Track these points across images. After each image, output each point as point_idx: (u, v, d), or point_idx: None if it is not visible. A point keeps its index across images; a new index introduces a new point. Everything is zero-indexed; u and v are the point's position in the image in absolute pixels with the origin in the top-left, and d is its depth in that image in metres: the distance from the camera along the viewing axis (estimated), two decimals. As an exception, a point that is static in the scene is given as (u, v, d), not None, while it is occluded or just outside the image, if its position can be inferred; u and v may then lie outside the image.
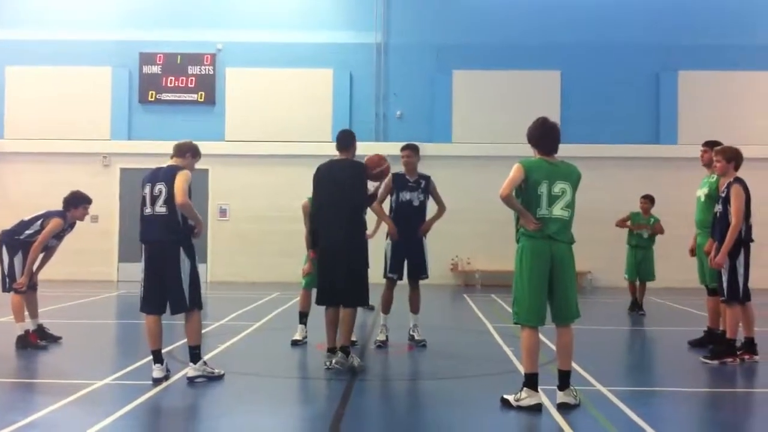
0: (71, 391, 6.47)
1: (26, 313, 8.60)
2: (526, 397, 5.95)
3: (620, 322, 12.26)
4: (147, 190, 6.81)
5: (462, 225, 17.65)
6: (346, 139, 7.76)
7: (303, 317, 9.16)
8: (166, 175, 6.78)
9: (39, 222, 8.49)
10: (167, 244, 6.74)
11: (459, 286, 17.99)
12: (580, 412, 5.98)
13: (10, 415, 5.82)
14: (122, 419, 5.69)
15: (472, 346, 9.43)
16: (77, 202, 8.64)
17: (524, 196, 6.01)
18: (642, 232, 12.88)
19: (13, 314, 8.53)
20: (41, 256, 8.67)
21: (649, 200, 13.19)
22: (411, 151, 8.97)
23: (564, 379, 6.09)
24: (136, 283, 17.58)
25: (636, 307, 12.93)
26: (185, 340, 7.03)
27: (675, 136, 18.55)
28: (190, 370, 6.85)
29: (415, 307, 9.12)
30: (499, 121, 18.23)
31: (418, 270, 8.91)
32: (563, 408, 5.96)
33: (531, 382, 5.99)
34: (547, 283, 6.00)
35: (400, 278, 8.93)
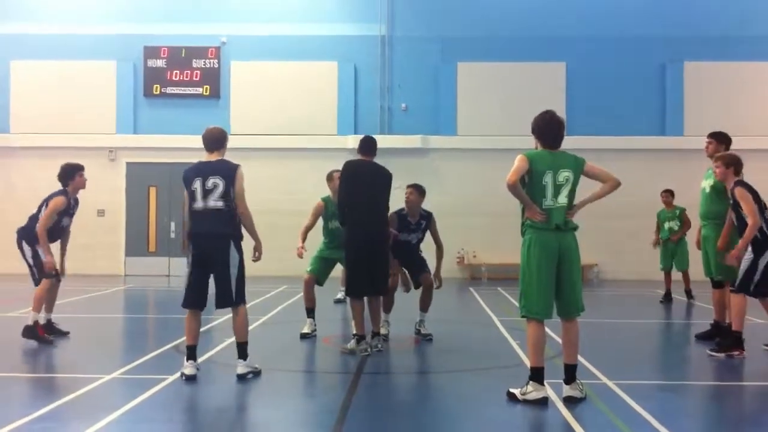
0: (79, 386, 6.49)
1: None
2: (532, 391, 5.96)
3: (627, 315, 12.25)
4: (197, 184, 6.71)
5: (467, 218, 17.65)
6: (372, 146, 8.23)
7: (310, 312, 9.18)
8: (223, 170, 6.74)
9: (43, 208, 8.46)
10: (220, 237, 6.71)
11: (465, 280, 17.99)
12: (586, 405, 5.98)
13: (19, 409, 5.86)
14: (130, 413, 5.71)
15: (478, 340, 9.44)
16: (72, 172, 8.55)
17: (529, 188, 6.01)
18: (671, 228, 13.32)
19: (33, 301, 8.45)
20: (59, 241, 8.71)
21: (669, 193, 13.48)
22: (415, 190, 9.00)
23: (570, 373, 6.09)
24: (143, 277, 17.63)
25: (669, 298, 13.26)
26: (184, 338, 7.00)
27: (681, 128, 18.48)
28: (240, 367, 6.80)
29: (425, 306, 9.18)
30: (504, 114, 18.18)
31: (422, 268, 9.07)
32: (569, 401, 5.96)
33: (537, 375, 5.99)
34: (555, 276, 6.00)
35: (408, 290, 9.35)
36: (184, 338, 6.87)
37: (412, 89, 18.73)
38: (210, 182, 6.70)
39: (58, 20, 18.73)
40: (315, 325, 9.15)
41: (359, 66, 18.76)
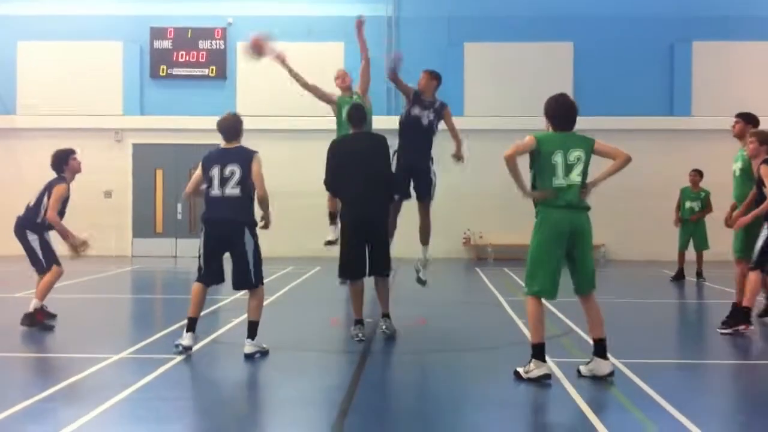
0: (88, 365, 6.54)
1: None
2: (535, 369, 5.98)
3: (636, 294, 12.25)
4: (215, 171, 6.87)
5: (474, 199, 17.63)
6: (359, 115, 7.86)
7: (333, 218, 9.21)
8: (240, 158, 6.91)
9: (45, 197, 8.31)
10: (235, 224, 6.89)
11: (471, 260, 18.00)
12: (592, 384, 6.00)
13: (28, 389, 5.92)
14: (139, 392, 5.76)
15: (484, 319, 9.47)
16: (65, 158, 8.45)
17: (538, 167, 6.02)
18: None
19: (39, 290, 8.33)
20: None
21: (698, 174, 13.55)
22: (426, 74, 9.01)
23: (602, 347, 6.09)
24: (150, 258, 17.65)
25: (681, 276, 13.32)
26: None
27: (689, 108, 18.38)
28: (248, 346, 6.89)
29: (425, 237, 8.82)
30: (512, 94, 18.11)
31: (425, 191, 8.63)
32: (612, 376, 5.97)
33: (538, 352, 6.01)
34: (564, 255, 6.02)
35: (406, 197, 8.60)
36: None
37: (419, 70, 18.57)
38: (227, 170, 6.87)
39: (65, 1, 18.66)
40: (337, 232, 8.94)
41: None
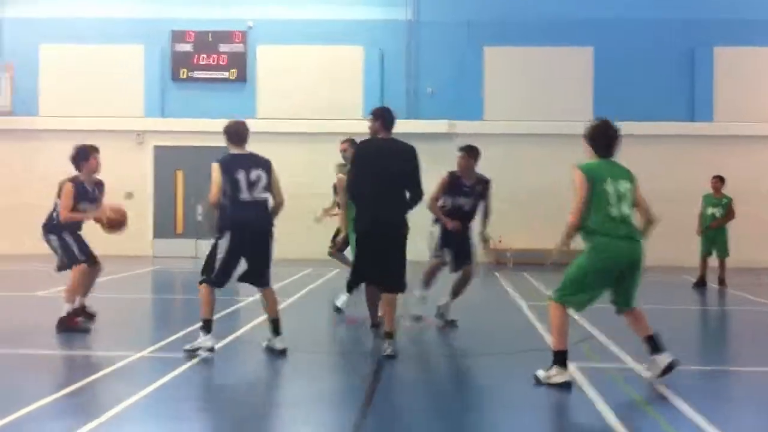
0: (110, 363, 6.59)
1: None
2: (556, 375, 5.95)
3: (657, 300, 12.12)
4: (241, 175, 6.87)
5: (493, 203, 17.56)
6: (390, 119, 7.29)
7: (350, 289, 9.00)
8: (262, 163, 7.03)
9: (57, 198, 8.30)
10: (265, 227, 7.02)
11: (490, 264, 17.92)
12: (612, 388, 5.97)
13: (52, 385, 5.98)
14: (161, 390, 5.79)
15: (504, 323, 9.44)
16: (85, 155, 8.31)
17: (593, 198, 5.91)
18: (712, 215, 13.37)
19: (66, 292, 8.20)
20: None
21: (719, 180, 13.50)
22: (465, 153, 8.58)
23: (657, 342, 6.08)
24: (171, 258, 17.67)
25: (702, 283, 13.24)
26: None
27: (711, 113, 18.25)
28: (279, 342, 7.06)
29: (456, 294, 8.79)
30: (531, 98, 18.08)
31: (468, 258, 8.69)
32: (673, 364, 5.96)
33: (561, 359, 5.99)
34: (613, 279, 5.98)
35: (454, 271, 8.74)
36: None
37: (438, 73, 18.66)
38: (253, 174, 6.91)
39: (87, 4, 18.84)
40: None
41: (385, 50, 18.72)
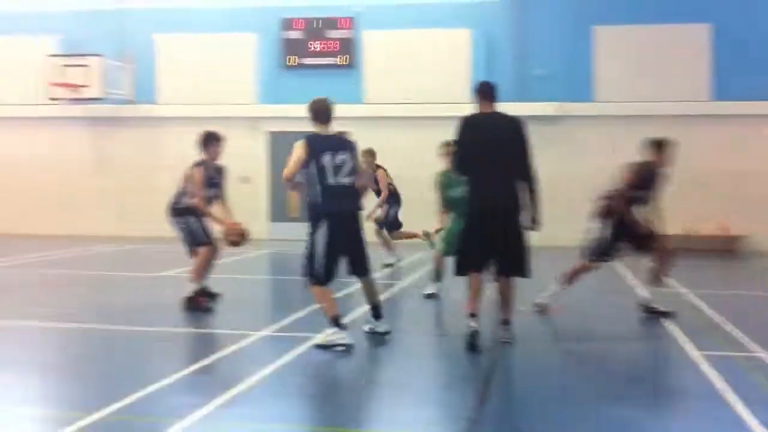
0: (232, 342, 6.84)
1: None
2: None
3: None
4: (327, 159, 6.55)
5: (606, 187, 17.15)
6: (493, 90, 6.96)
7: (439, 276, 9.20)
8: (347, 146, 6.75)
9: (183, 183, 8.63)
10: (356, 212, 6.78)
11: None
12: (741, 377, 5.78)
13: (179, 363, 6.27)
14: (281, 369, 5.99)
15: (622, 309, 9.25)
16: (208, 141, 8.64)
17: None
18: None
19: (193, 273, 8.59)
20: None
21: None
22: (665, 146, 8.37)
23: None
24: (286, 241, 18.00)
25: None
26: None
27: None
28: (384, 325, 7.03)
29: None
30: (644, 79, 17.50)
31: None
32: None
33: None
34: None
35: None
36: (323, 309, 6.75)
37: (546, 55, 18.32)
38: (338, 158, 6.60)
39: (201, -6, 19.43)
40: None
41: (492, 32, 18.50)
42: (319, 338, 6.70)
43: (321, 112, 6.81)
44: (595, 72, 18.01)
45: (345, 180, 6.62)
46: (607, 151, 17.39)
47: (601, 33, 18.03)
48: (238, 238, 8.48)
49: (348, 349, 6.54)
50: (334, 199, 6.57)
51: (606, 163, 17.24)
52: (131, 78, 19.23)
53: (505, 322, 6.93)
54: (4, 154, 19.39)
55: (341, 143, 6.75)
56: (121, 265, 13.33)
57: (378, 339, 7.05)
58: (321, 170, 6.54)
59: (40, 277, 11.41)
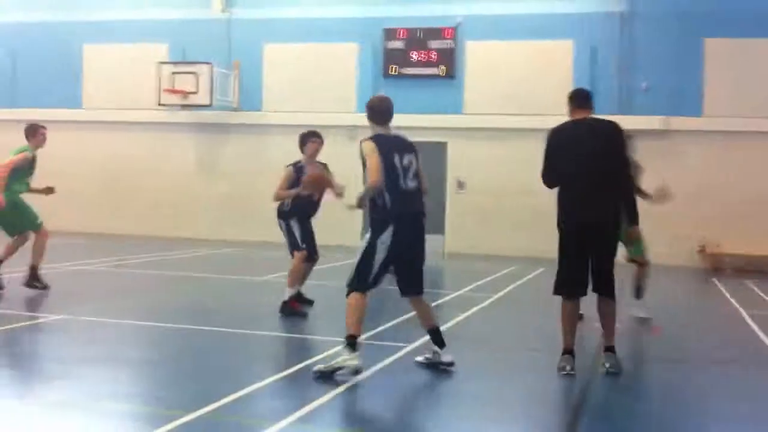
0: (324, 348, 6.91)
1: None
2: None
3: None
4: (396, 160, 6.13)
5: (712, 205, 16.55)
6: (588, 98, 6.65)
7: None
8: (412, 148, 6.31)
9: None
10: (423, 216, 6.28)
11: (706, 270, 16.92)
12: None
13: (274, 367, 6.42)
14: (373, 377, 6.03)
15: (724, 332, 8.90)
16: (305, 139, 9.15)
17: None
18: None
19: (288, 277, 8.81)
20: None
21: None
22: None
23: None
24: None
25: None
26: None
27: None
28: (446, 355, 6.33)
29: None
30: (758, 93, 16.81)
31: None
32: None
33: None
34: None
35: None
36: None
37: (652, 67, 17.83)
38: (406, 160, 6.17)
39: (306, 4, 19.81)
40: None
41: (596, 44, 18.14)
42: (339, 360, 5.97)
43: (385, 111, 6.40)
44: (706, 86, 17.41)
45: (413, 183, 6.19)
46: (713, 167, 16.82)
47: (713, 45, 17.44)
48: (313, 189, 8.49)
49: (356, 373, 5.93)
50: (403, 202, 6.13)
51: (713, 179, 16.83)
52: (237, 85, 19.80)
53: (609, 349, 6.40)
54: (122, 156, 20.27)
55: (406, 145, 6.30)
56: (227, 268, 13.75)
57: (468, 353, 6.96)
58: (392, 171, 6.09)
59: (154, 279, 11.88)
